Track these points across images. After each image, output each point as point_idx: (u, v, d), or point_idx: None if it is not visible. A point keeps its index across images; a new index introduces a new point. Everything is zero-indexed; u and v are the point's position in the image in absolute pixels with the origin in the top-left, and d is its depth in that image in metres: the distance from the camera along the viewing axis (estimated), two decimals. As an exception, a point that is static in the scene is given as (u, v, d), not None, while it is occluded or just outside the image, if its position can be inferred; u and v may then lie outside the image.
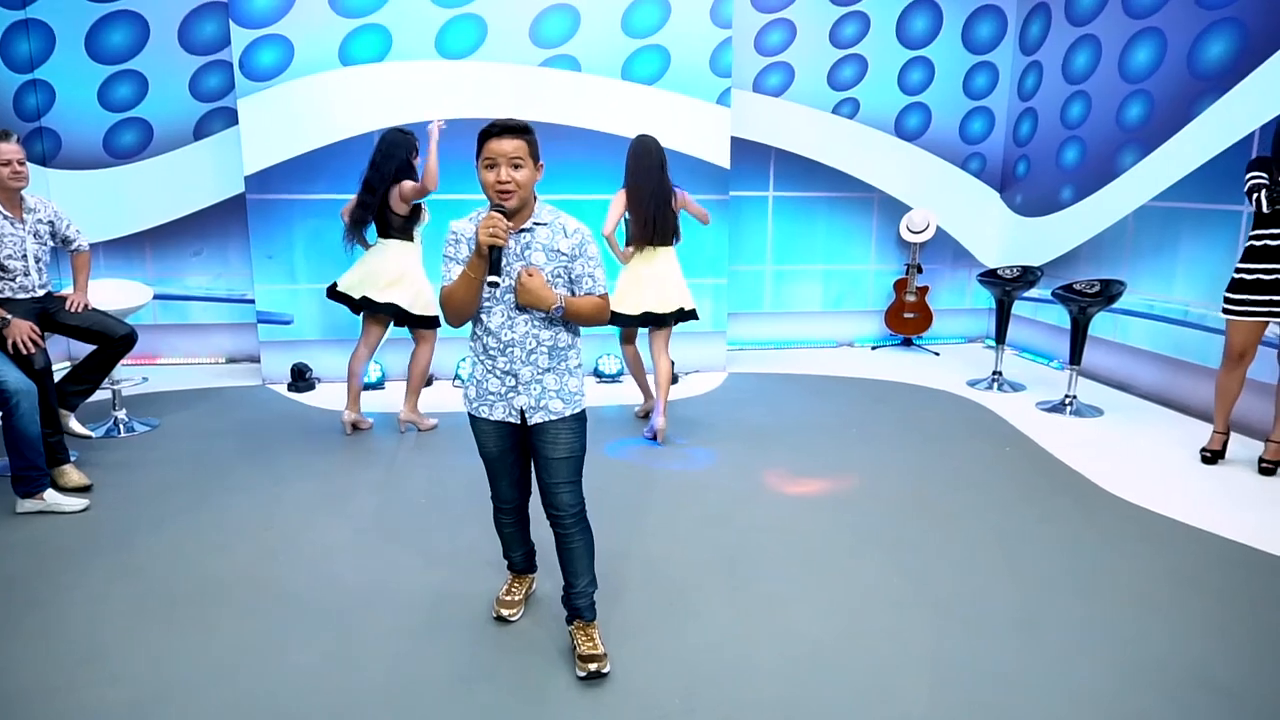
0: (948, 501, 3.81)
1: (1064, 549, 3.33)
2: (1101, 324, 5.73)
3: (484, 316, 2.39)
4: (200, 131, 6.09)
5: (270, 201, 5.65)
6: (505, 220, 2.26)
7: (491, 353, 2.40)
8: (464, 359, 5.71)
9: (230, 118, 5.90)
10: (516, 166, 2.27)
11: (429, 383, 5.75)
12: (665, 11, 5.72)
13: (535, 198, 2.39)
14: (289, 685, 2.43)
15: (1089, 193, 6.06)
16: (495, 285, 2.27)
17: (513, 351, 2.38)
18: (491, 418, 2.46)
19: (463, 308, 2.36)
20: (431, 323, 4.65)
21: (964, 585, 3.03)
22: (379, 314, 4.62)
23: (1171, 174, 5.28)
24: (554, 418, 2.43)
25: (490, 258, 2.26)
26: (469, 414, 2.53)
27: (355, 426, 4.75)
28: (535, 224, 2.36)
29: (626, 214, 4.58)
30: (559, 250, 2.37)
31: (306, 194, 5.63)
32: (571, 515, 2.49)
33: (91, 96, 5.93)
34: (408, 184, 4.46)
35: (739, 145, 6.38)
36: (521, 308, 2.35)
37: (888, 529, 3.51)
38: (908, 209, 7.01)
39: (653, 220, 4.53)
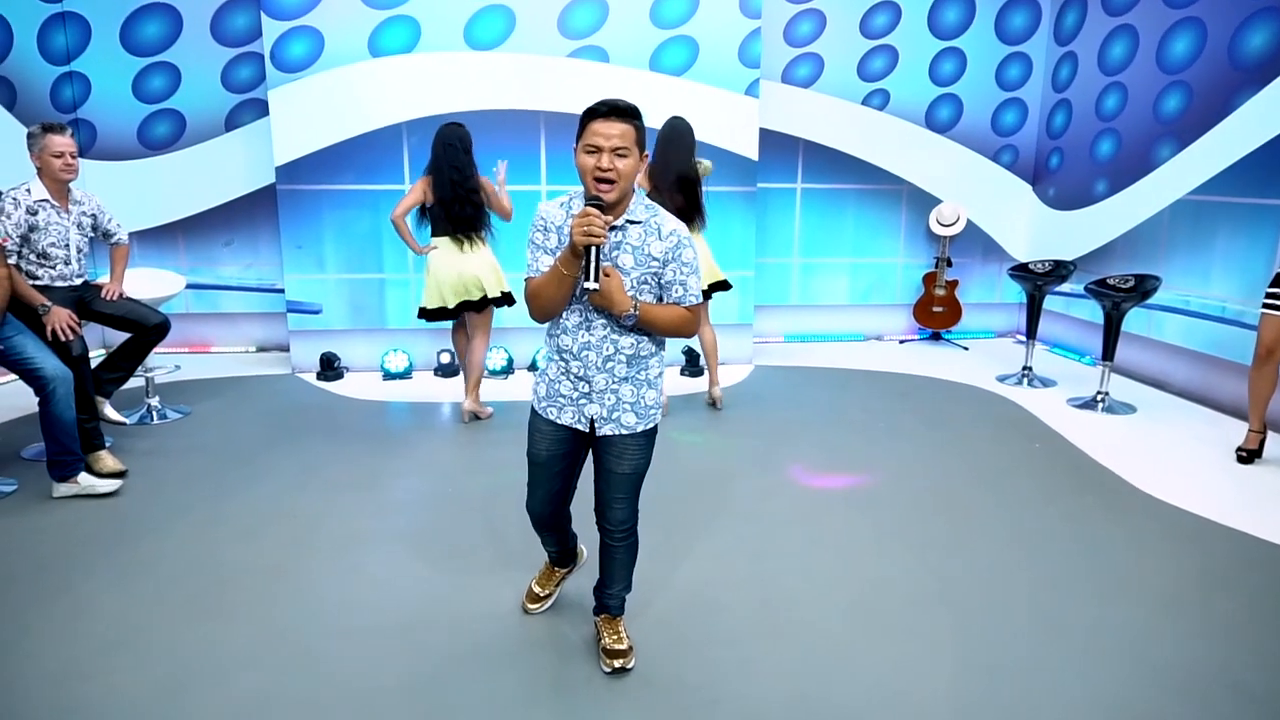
0: (974, 498, 3.77)
1: (1092, 547, 3.28)
2: (1135, 320, 5.63)
3: (561, 315, 2.22)
4: (231, 123, 6.16)
5: (300, 192, 5.70)
6: (602, 216, 2.03)
7: (565, 355, 2.25)
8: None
9: (261, 109, 5.96)
10: (621, 155, 2.06)
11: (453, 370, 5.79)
12: (694, 2, 5.68)
13: (634, 191, 2.19)
14: (312, 673, 2.46)
15: (1124, 186, 5.95)
16: (593, 291, 2.07)
17: (588, 356, 2.22)
18: (560, 420, 2.30)
19: (551, 305, 2.18)
20: (500, 302, 4.71)
21: (989, 583, 3.00)
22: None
23: (1210, 167, 5.16)
24: (625, 432, 2.27)
25: (584, 258, 2.04)
26: (533, 410, 2.38)
27: (475, 416, 4.80)
28: (629, 221, 2.16)
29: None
30: (650, 254, 2.16)
31: (336, 185, 5.68)
32: (623, 530, 2.39)
33: (126, 88, 6.02)
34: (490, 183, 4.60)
35: (767, 137, 6.34)
36: (602, 312, 2.17)
37: (913, 525, 3.48)
38: (937, 202, 6.93)
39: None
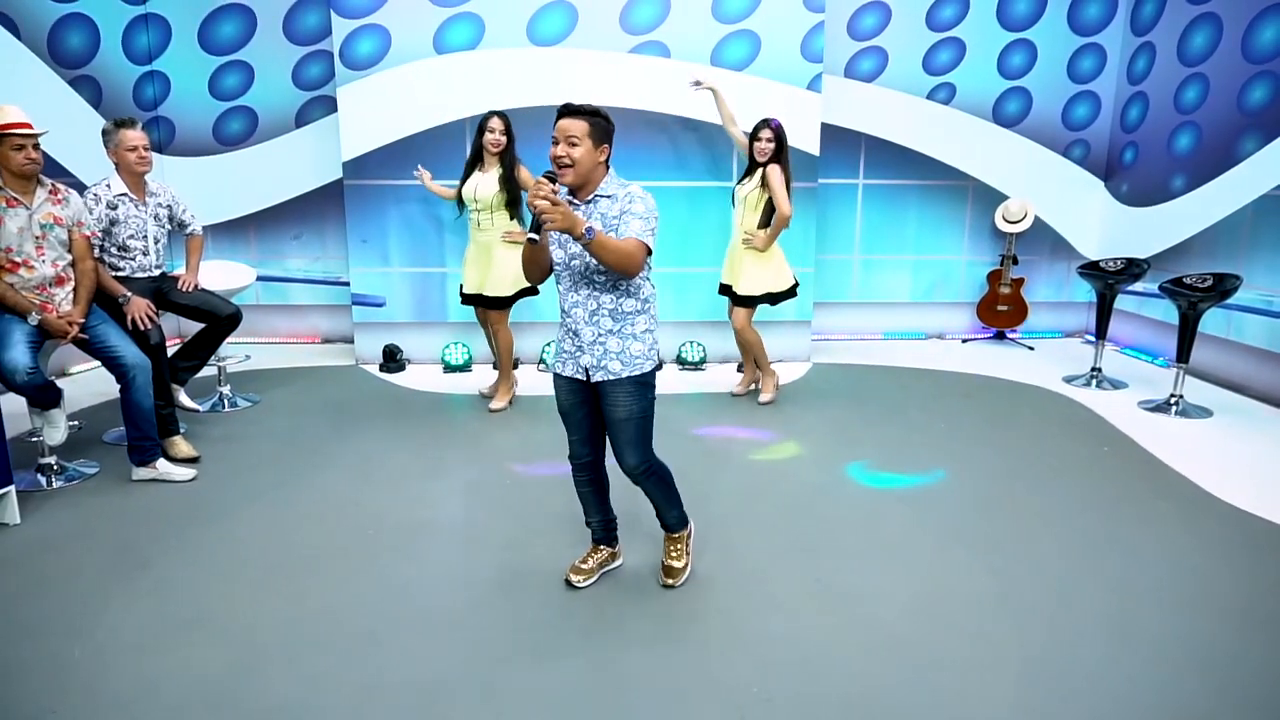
0: (1039, 501, 3.67)
1: (1164, 555, 3.17)
2: (1213, 321, 5.42)
3: (557, 281, 2.64)
4: (301, 119, 6.33)
5: (366, 187, 5.83)
6: (550, 185, 2.38)
7: (563, 314, 2.65)
8: (549, 344, 5.83)
9: (330, 105, 6.10)
10: (573, 144, 2.46)
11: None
12: (756, -4, 5.65)
13: (608, 175, 2.56)
14: (375, 655, 2.52)
15: (1203, 181, 5.72)
16: (534, 242, 2.47)
17: (576, 312, 2.60)
18: (563, 374, 2.68)
19: (530, 267, 2.61)
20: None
21: (1053, 588, 2.92)
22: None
23: (1297, 162, 4.94)
24: (612, 378, 2.60)
25: (533, 218, 2.39)
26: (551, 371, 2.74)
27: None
28: (599, 196, 2.55)
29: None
30: (608, 214, 2.53)
31: (401, 180, 5.79)
32: (637, 473, 2.71)
33: (203, 86, 6.23)
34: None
35: (829, 131, 6.26)
36: (584, 274, 2.55)
37: (974, 527, 3.41)
38: (1004, 198, 6.76)
39: None
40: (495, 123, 4.61)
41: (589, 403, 2.71)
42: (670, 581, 2.87)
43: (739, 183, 5.02)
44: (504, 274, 4.74)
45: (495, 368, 5.13)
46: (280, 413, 4.89)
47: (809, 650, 2.55)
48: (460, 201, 4.81)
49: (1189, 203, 5.86)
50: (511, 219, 4.74)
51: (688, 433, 4.49)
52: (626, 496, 3.07)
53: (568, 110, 2.50)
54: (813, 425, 4.72)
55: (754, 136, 4.78)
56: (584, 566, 2.91)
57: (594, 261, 2.50)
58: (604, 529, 2.95)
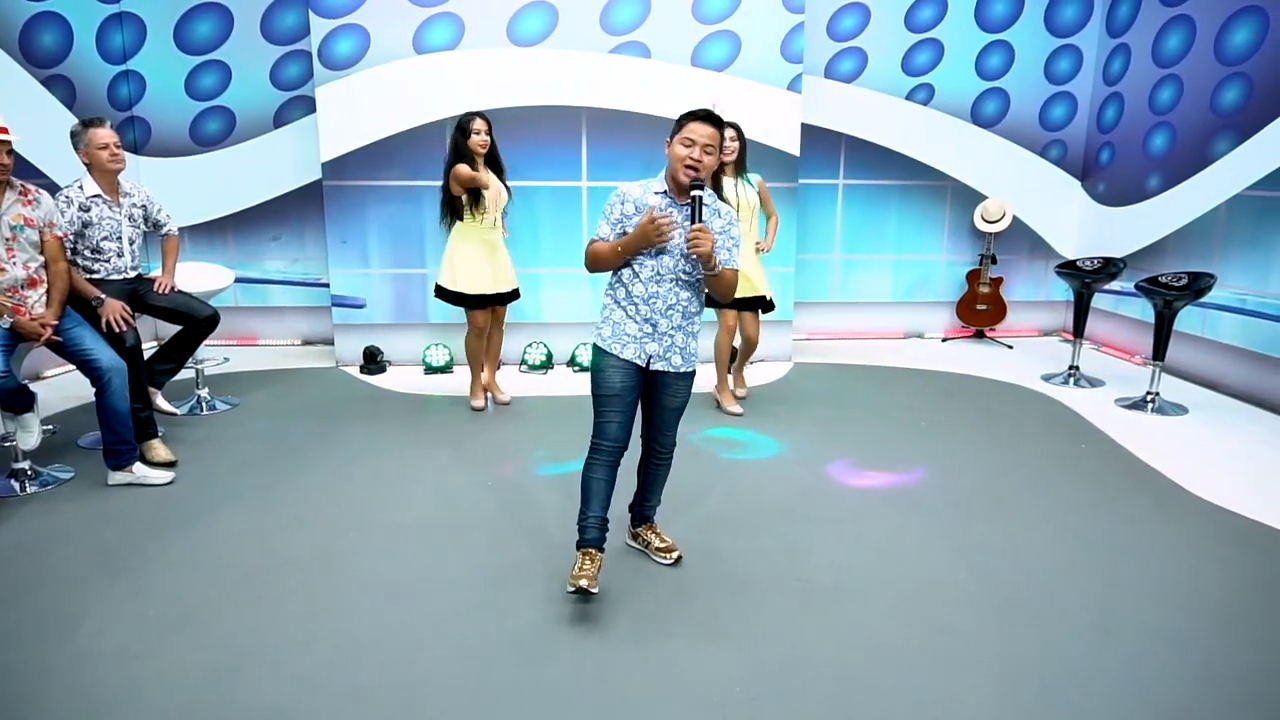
0: (1019, 499, 3.71)
1: (1142, 551, 3.21)
2: (1188, 319, 5.49)
3: (635, 267, 2.70)
4: (280, 119, 6.28)
5: (345, 188, 5.79)
6: (675, 219, 2.63)
7: (635, 301, 2.72)
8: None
9: (308, 106, 6.06)
10: (708, 152, 2.61)
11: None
12: (736, -3, 5.66)
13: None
14: (357, 658, 2.50)
15: (1178, 181, 5.80)
16: (694, 244, 2.59)
17: (655, 303, 2.71)
18: (623, 355, 2.72)
19: (605, 267, 2.75)
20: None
21: (1034, 585, 2.95)
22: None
23: (1271, 161, 5.01)
24: (672, 370, 2.77)
25: (693, 209, 2.60)
26: (597, 349, 2.78)
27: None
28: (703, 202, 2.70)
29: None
30: (711, 227, 2.66)
31: (381, 180, 5.75)
32: (671, 450, 2.98)
33: (179, 86, 6.16)
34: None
35: (809, 132, 6.29)
36: (672, 270, 2.68)
37: (956, 525, 3.44)
38: (982, 198, 6.81)
39: None
40: (480, 124, 4.59)
41: (638, 388, 2.79)
42: (678, 554, 3.06)
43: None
44: (511, 270, 4.87)
45: (472, 369, 5.07)
46: (260, 415, 4.84)
47: (792, 649, 2.56)
48: (476, 204, 4.63)
49: (1164, 202, 5.93)
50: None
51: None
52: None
53: (707, 115, 2.62)
54: (795, 425, 4.73)
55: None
56: (589, 572, 2.69)
57: (685, 262, 2.69)
58: (600, 528, 2.77)
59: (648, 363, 2.74)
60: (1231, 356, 5.35)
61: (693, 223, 2.60)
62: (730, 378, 5.20)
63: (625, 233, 2.69)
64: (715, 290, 2.74)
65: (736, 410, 4.92)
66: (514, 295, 4.93)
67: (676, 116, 2.70)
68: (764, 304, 4.96)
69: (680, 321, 2.75)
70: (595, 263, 2.75)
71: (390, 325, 6.00)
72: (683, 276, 2.72)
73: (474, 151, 4.58)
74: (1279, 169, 4.96)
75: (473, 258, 4.72)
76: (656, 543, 3.10)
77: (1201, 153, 5.56)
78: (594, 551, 2.78)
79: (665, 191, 2.70)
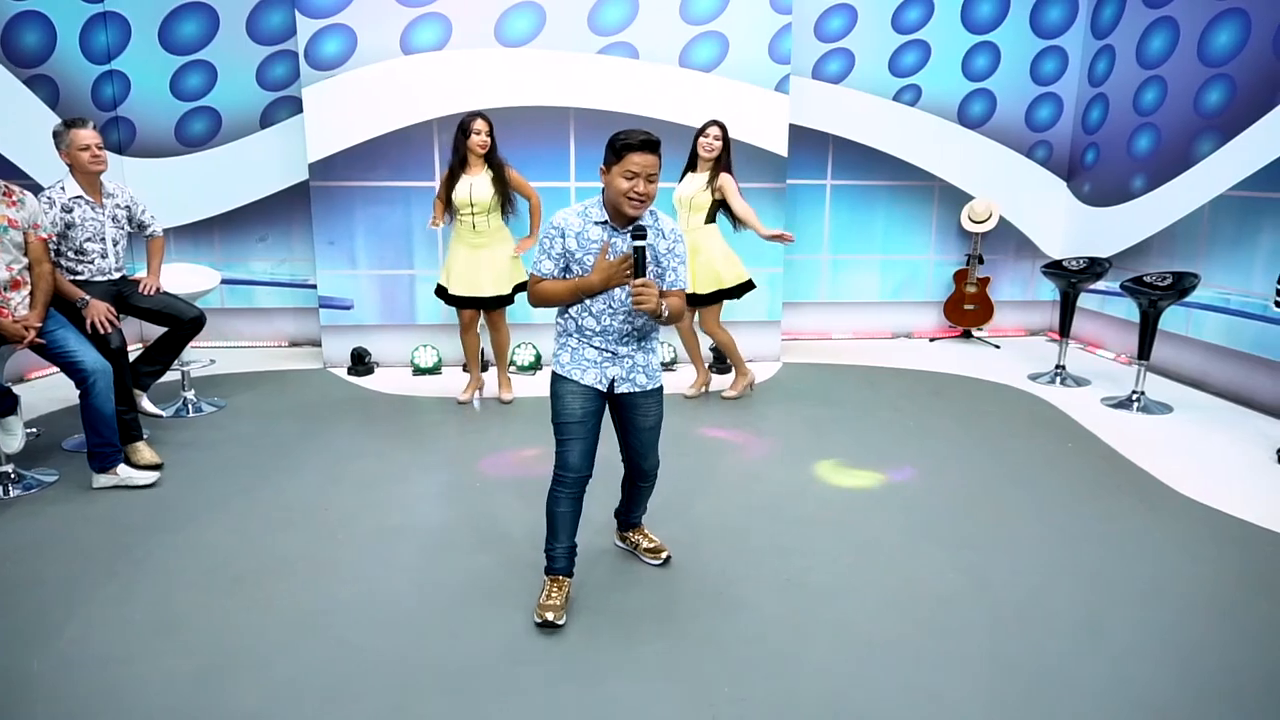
0: (1007, 497, 3.72)
1: (1128, 549, 3.23)
2: (1173, 319, 5.53)
3: (585, 301, 2.59)
4: (266, 120, 6.24)
5: (333, 188, 5.76)
6: (636, 247, 2.49)
7: (588, 333, 2.63)
8: (519, 345, 5.82)
9: (295, 106, 6.03)
10: (651, 181, 2.49)
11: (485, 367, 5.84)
12: (724, -3, 5.67)
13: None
14: (344, 661, 2.49)
15: (1162, 182, 5.84)
16: (638, 299, 2.49)
17: (609, 335, 2.62)
18: (584, 381, 2.63)
19: (558, 305, 2.65)
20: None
21: (1022, 584, 2.96)
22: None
23: (1253, 162, 5.06)
24: (638, 390, 2.69)
25: (638, 263, 2.48)
26: (556, 376, 2.68)
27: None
28: (642, 225, 2.57)
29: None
30: (656, 249, 2.60)
31: (368, 181, 5.73)
32: (655, 473, 2.92)
33: (164, 86, 6.12)
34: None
35: (797, 133, 6.30)
36: (623, 302, 2.57)
37: (944, 524, 3.45)
38: (969, 198, 6.84)
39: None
40: (480, 124, 4.60)
41: (599, 414, 2.69)
42: (667, 554, 3.05)
43: (679, 183, 4.96)
44: (501, 272, 4.82)
45: (465, 369, 5.12)
46: (246, 417, 4.82)
47: (781, 649, 2.56)
48: (449, 208, 4.75)
49: (1149, 203, 5.98)
50: (503, 219, 4.84)
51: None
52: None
53: (646, 143, 2.48)
54: (783, 424, 4.74)
55: (700, 133, 4.78)
56: (556, 602, 2.67)
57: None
58: (569, 556, 2.75)
59: (610, 387, 2.66)
60: (1215, 355, 5.39)
61: (636, 276, 2.47)
62: (733, 380, 5.29)
63: (568, 267, 2.59)
64: (669, 320, 2.63)
65: (731, 393, 5.18)
66: (500, 300, 4.89)
67: (668, 119, 2.66)
68: (739, 290, 4.97)
69: (638, 344, 2.69)
70: (545, 302, 2.64)
71: (378, 326, 5.98)
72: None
73: (473, 151, 4.61)
74: (1261, 170, 5.00)
75: (458, 258, 4.84)
76: (645, 544, 3.09)
77: (1185, 153, 5.61)
78: (563, 579, 2.75)
79: (607, 222, 2.57)
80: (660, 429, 2.82)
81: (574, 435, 2.65)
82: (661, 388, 2.77)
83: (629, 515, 3.10)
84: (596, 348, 2.63)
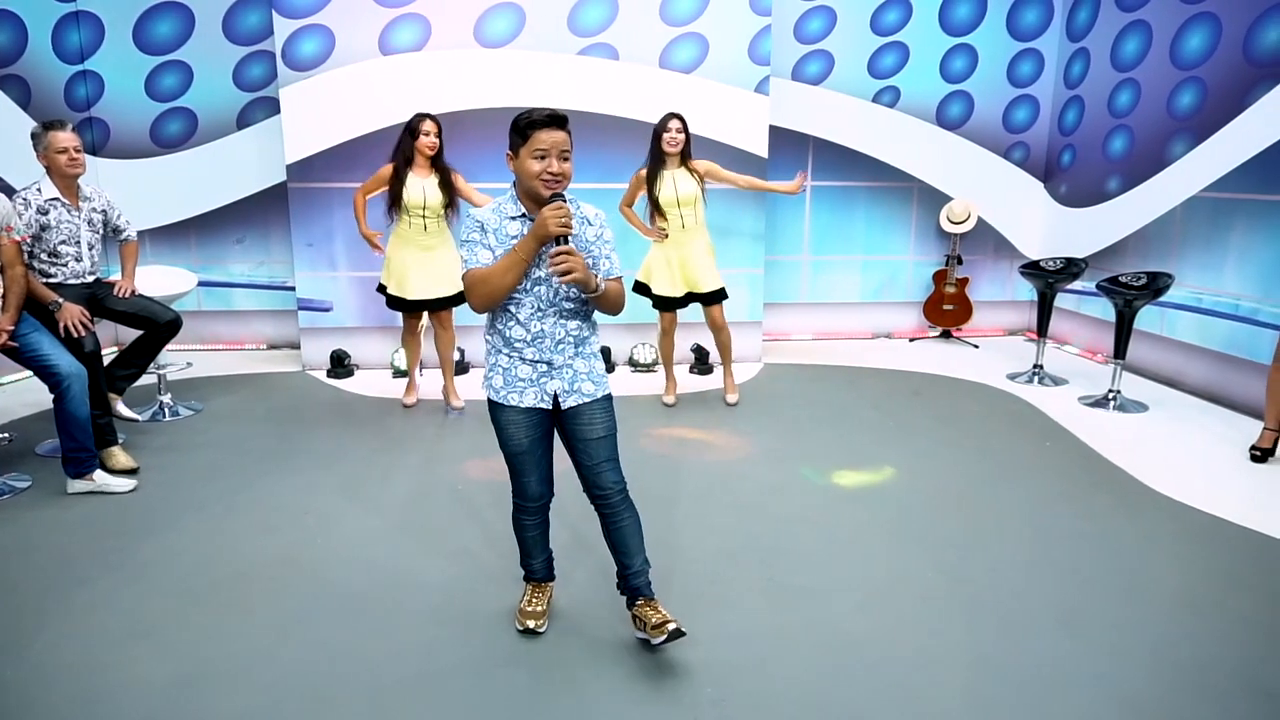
0: (986, 496, 3.75)
1: (1106, 546, 3.27)
2: (1148, 318, 5.60)
3: (511, 309, 2.37)
4: (243, 121, 6.19)
5: (311, 190, 5.72)
6: (569, 212, 2.24)
7: (518, 345, 2.40)
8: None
9: (272, 107, 5.98)
10: (565, 158, 2.29)
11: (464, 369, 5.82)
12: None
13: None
14: (324, 667, 2.47)
15: (1137, 183, 5.92)
16: (560, 270, 2.25)
17: (542, 342, 2.39)
18: (522, 404, 2.42)
19: (498, 293, 2.32)
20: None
21: (1002, 582, 2.99)
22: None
23: (1224, 164, 5.13)
24: (587, 399, 2.45)
25: (556, 242, 2.25)
26: (493, 404, 2.47)
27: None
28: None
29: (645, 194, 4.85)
30: (584, 238, 2.40)
31: (346, 182, 5.69)
32: (618, 493, 2.50)
33: (139, 86, 6.05)
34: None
35: (777, 134, 6.32)
36: (552, 301, 2.37)
37: (925, 523, 3.47)
38: (948, 199, 6.90)
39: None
40: (430, 125, 4.57)
41: (548, 436, 2.52)
42: (674, 627, 2.40)
43: (652, 183, 4.78)
44: (453, 273, 4.74)
45: (421, 371, 5.15)
46: (224, 421, 4.77)
47: (762, 650, 2.57)
48: (396, 209, 4.69)
49: (1123, 204, 6.05)
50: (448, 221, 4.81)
51: (639, 434, 4.50)
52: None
53: (553, 119, 2.27)
54: (764, 425, 4.75)
55: (663, 128, 4.66)
56: (538, 609, 2.68)
57: (565, 288, 2.34)
58: (547, 566, 2.73)
59: (554, 402, 2.43)
60: (1189, 354, 5.47)
61: (555, 244, 2.24)
62: (724, 381, 5.27)
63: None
64: (603, 308, 2.43)
65: (669, 400, 5.16)
66: (446, 301, 4.82)
67: (650, 119, 2.49)
68: (715, 296, 4.92)
69: (575, 350, 2.44)
70: (486, 288, 2.30)
71: (358, 328, 5.94)
72: (566, 306, 2.38)
73: (421, 153, 4.59)
74: (1232, 171, 5.07)
75: (408, 261, 4.76)
76: (651, 618, 2.46)
77: (1159, 155, 5.68)
78: (544, 584, 2.75)
79: (524, 215, 2.33)
80: (615, 441, 2.50)
81: (525, 466, 2.51)
82: (610, 396, 2.52)
83: (625, 571, 2.55)
84: (529, 361, 2.39)
